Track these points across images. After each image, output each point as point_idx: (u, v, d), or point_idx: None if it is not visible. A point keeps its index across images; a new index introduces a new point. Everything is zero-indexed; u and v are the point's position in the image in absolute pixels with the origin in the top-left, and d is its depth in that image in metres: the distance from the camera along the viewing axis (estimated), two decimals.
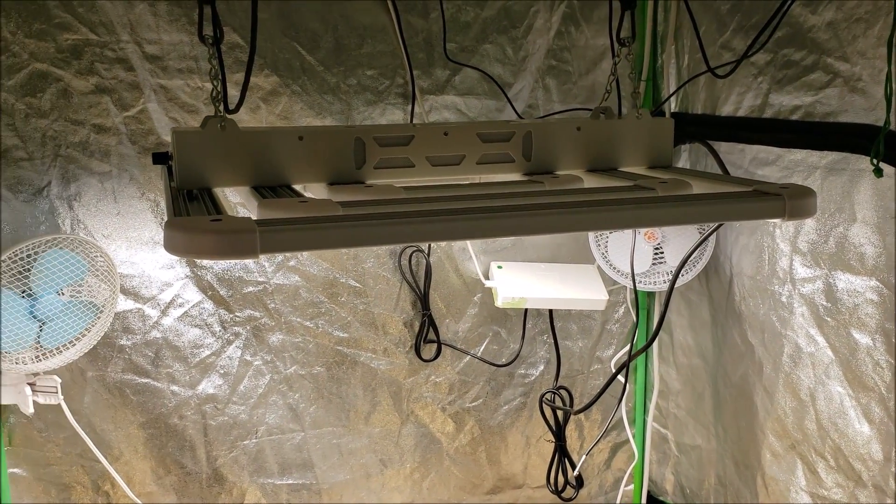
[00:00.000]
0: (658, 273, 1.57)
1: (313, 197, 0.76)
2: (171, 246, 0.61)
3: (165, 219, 1.42)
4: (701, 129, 1.31)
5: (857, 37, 1.19)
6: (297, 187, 0.88)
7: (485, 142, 0.96)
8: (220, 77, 0.88)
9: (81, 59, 1.33)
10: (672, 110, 1.59)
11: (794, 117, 1.30)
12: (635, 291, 1.54)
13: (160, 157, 0.91)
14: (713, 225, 1.49)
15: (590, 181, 0.94)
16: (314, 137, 0.89)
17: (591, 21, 1.61)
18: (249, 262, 1.51)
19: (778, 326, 1.38)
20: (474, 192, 0.80)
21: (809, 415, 1.34)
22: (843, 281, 1.25)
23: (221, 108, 0.88)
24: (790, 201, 0.78)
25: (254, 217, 0.70)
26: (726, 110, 1.43)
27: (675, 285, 1.56)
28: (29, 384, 1.34)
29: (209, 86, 1.38)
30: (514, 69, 1.58)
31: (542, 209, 0.68)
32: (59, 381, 1.35)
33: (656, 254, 1.55)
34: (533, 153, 0.98)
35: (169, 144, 1.39)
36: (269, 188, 0.86)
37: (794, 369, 1.35)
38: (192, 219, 0.65)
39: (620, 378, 1.75)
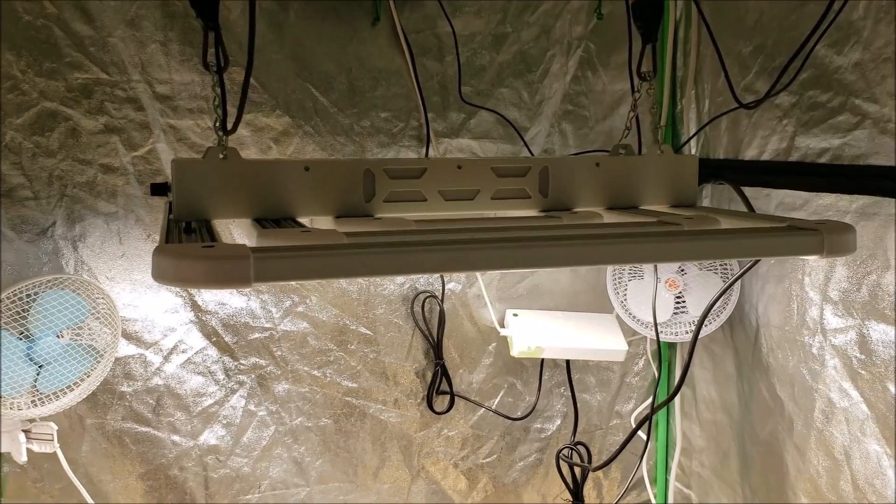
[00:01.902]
0: (680, 323, 1.51)
1: (319, 228, 0.72)
2: (159, 273, 0.57)
3: None
4: (724, 173, 1.27)
5: (885, 77, 1.15)
6: (303, 221, 0.84)
7: (500, 176, 0.91)
8: (222, 105, 0.84)
9: (91, 99, 1.31)
10: (693, 155, 1.56)
11: (822, 160, 1.25)
12: (658, 342, 1.47)
13: (159, 189, 0.87)
14: (737, 272, 1.43)
15: (610, 218, 0.90)
16: (321, 169, 0.85)
17: (608, 66, 1.59)
18: (256, 307, 1.46)
19: (809, 380, 1.30)
20: (488, 225, 0.75)
21: (844, 475, 1.25)
22: (878, 331, 1.19)
23: (223, 135, 0.85)
24: (829, 237, 0.73)
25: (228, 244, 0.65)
26: (750, 154, 1.39)
27: (699, 336, 1.50)
28: (24, 431, 1.28)
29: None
30: (530, 113, 1.55)
31: (561, 240, 0.63)
32: (56, 428, 1.30)
33: (678, 303, 1.49)
34: (550, 189, 0.94)
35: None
36: (273, 221, 0.82)
37: (827, 426, 1.28)
38: (183, 245, 0.61)
39: (642, 434, 1.68)
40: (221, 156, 0.82)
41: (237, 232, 1.26)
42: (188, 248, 0.57)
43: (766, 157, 1.36)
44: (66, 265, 1.33)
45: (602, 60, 1.58)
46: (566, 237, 0.65)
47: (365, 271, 0.58)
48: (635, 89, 1.08)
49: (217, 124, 0.86)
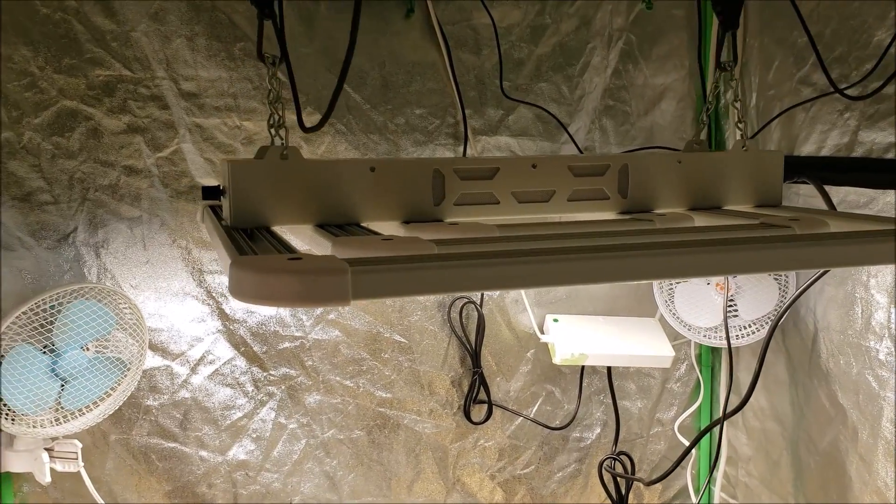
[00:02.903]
0: (730, 328, 1.44)
1: (396, 235, 0.65)
2: (239, 290, 0.50)
3: (198, 267, 1.33)
4: (805, 171, 1.20)
5: None
6: (368, 226, 0.76)
7: (577, 176, 0.84)
8: (279, 100, 0.77)
9: (113, 97, 1.24)
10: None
11: (889, 155, 1.19)
12: (729, 349, 1.40)
13: (211, 192, 0.80)
14: (792, 276, 1.37)
15: (701, 221, 0.83)
16: (387, 169, 0.78)
17: (649, 59, 1.52)
18: (286, 314, 1.39)
19: (875, 387, 1.24)
20: (583, 231, 0.68)
21: None
22: None
23: (283, 133, 0.77)
24: None
25: (315, 255, 0.58)
26: (807, 150, 1.32)
27: (747, 342, 1.43)
28: (46, 449, 1.21)
29: (248, 125, 1.32)
30: (570, 109, 1.49)
31: (679, 248, 0.57)
32: (80, 446, 1.22)
33: (729, 306, 1.42)
34: (629, 189, 0.87)
35: (201, 187, 1.30)
36: (337, 226, 0.75)
37: None
38: (266, 258, 0.53)
39: (686, 442, 1.61)
40: (281, 155, 0.75)
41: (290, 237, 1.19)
42: (273, 261, 0.50)
43: (825, 152, 1.29)
44: (89, 273, 1.26)
45: (644, 53, 1.51)
46: (681, 244, 0.58)
47: (474, 286, 0.51)
48: (707, 80, 1.01)
49: (275, 121, 0.78)
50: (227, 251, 0.57)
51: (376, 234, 0.69)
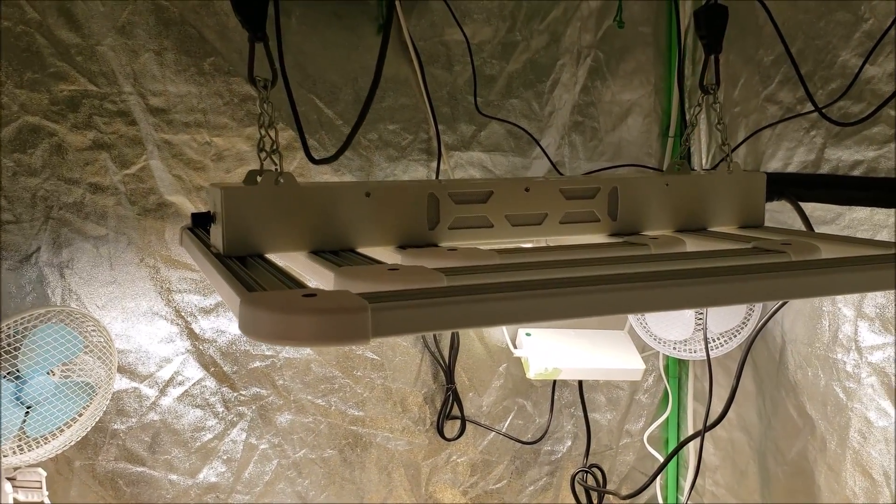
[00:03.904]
0: (698, 340, 1.46)
1: (401, 264, 0.63)
2: (253, 329, 0.48)
3: (167, 287, 1.29)
4: (787, 189, 1.22)
5: None
6: (363, 252, 0.75)
7: (568, 199, 0.84)
8: (273, 125, 0.75)
9: (78, 112, 1.20)
10: (704, 168, 1.52)
11: (856, 173, 1.22)
12: (709, 363, 1.41)
13: (201, 219, 0.77)
14: None
15: (692, 244, 0.84)
16: (383, 193, 0.77)
17: (617, 75, 1.54)
18: None
19: (843, 398, 1.27)
20: (584, 257, 0.68)
21: (884, 495, 1.22)
22: None
23: (277, 159, 0.76)
24: None
25: (327, 290, 0.57)
26: (773, 166, 1.35)
27: (715, 354, 1.46)
28: (9, 479, 1.16)
29: (218, 140, 1.29)
30: (541, 125, 1.49)
31: (687, 278, 0.57)
32: (45, 474, 1.18)
33: (698, 320, 1.44)
34: (619, 212, 0.87)
35: (171, 205, 1.27)
36: (332, 253, 0.73)
37: (864, 445, 1.24)
38: (279, 295, 0.52)
39: (654, 453, 1.63)
40: (276, 181, 0.73)
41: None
42: (288, 298, 0.48)
43: (791, 169, 1.33)
44: (53, 294, 1.22)
45: (611, 69, 1.53)
46: (686, 274, 0.58)
47: (493, 321, 0.50)
48: (697, 103, 1.02)
49: (267, 147, 0.76)
50: (230, 286, 0.56)
51: (375, 261, 0.68)
